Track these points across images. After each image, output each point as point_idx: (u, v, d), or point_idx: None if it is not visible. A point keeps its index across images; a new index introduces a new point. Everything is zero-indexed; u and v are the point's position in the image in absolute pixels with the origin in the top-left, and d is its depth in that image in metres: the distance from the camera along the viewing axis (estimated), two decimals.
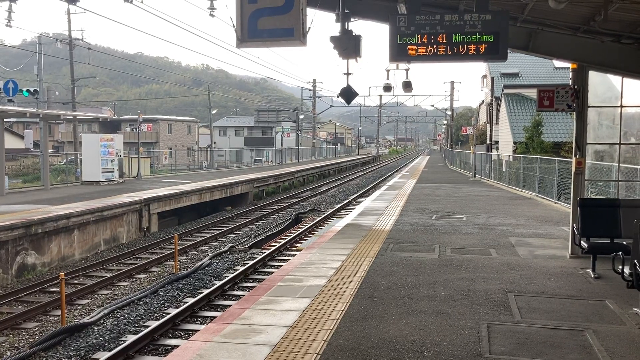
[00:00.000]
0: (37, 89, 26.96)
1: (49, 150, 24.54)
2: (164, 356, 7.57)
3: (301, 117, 57.47)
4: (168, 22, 22.99)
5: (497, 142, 36.09)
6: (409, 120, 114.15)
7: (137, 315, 9.43)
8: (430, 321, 5.80)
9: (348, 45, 7.87)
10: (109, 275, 12.35)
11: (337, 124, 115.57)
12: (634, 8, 7.04)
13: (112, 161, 22.87)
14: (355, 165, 59.88)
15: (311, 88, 58.37)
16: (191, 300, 9.85)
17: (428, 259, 8.92)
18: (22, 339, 8.70)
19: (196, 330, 7.90)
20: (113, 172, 22.98)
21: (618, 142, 9.43)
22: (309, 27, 6.71)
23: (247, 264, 12.86)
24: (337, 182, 38.27)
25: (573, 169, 8.98)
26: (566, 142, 25.41)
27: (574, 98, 8.61)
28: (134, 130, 32.26)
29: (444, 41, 6.85)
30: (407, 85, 22.80)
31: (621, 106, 9.08)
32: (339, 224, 13.01)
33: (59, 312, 9.54)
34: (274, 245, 14.89)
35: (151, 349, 8.04)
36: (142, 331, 8.41)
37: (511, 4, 7.67)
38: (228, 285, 11.06)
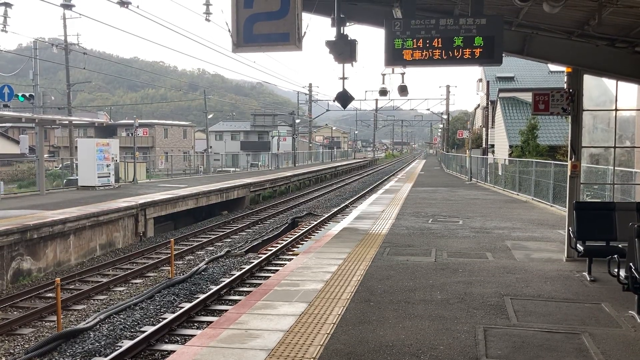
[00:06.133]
0: (33, 94, 26.89)
1: (45, 155, 24.45)
2: None
3: (297, 121, 57.48)
4: (164, 27, 22.98)
5: (493, 145, 36.17)
6: (405, 124, 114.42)
7: (133, 321, 9.40)
8: (426, 325, 5.80)
9: (344, 50, 7.89)
10: (105, 280, 12.30)
11: (334, 128, 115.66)
12: (628, 12, 7.08)
13: (108, 166, 22.81)
14: (352, 169, 59.91)
15: (307, 92, 58.46)
16: (187, 305, 9.82)
17: (424, 262, 8.92)
18: (18, 345, 8.66)
19: (192, 335, 7.87)
20: (109, 177, 22.92)
21: (613, 145, 9.47)
22: (305, 32, 6.73)
23: (244, 268, 12.84)
24: (334, 186, 38.28)
25: (568, 172, 9.02)
26: (562, 145, 25.49)
27: (569, 102, 8.64)
28: (130, 134, 32.27)
29: (440, 45, 6.87)
30: (403, 90, 22.80)
31: (616, 109, 9.12)
32: (335, 228, 13.01)
33: (54, 318, 9.49)
34: (271, 250, 14.87)
35: (147, 354, 8.01)
36: (138, 336, 8.38)
37: (506, 8, 7.71)
38: (224, 290, 11.04)
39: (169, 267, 12.82)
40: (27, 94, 25.81)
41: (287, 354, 4.98)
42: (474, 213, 15.54)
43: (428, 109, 62.82)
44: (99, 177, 22.30)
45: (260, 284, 9.24)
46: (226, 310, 7.46)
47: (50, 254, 13.32)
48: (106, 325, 9.18)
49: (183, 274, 12.59)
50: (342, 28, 8.05)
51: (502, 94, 33.40)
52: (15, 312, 10.31)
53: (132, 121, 30.75)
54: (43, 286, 11.76)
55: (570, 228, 8.35)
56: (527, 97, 27.44)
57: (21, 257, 12.43)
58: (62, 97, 39.44)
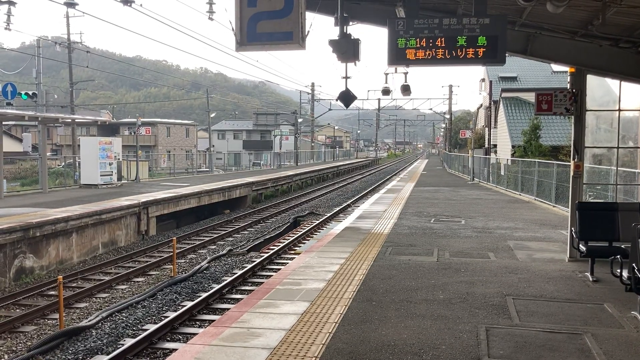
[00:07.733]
0: (36, 92, 26.95)
1: (48, 154, 24.50)
2: None
3: (300, 120, 57.47)
4: (167, 26, 22.98)
5: (495, 145, 36.15)
6: (408, 123, 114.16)
7: (136, 319, 9.41)
8: (428, 325, 5.79)
9: (347, 49, 7.88)
10: (107, 278, 12.32)
11: (336, 128, 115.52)
12: (632, 12, 7.07)
13: (110, 164, 22.85)
14: (354, 168, 59.88)
15: (310, 91, 58.42)
16: (190, 304, 9.83)
17: (427, 262, 8.91)
18: (20, 343, 8.68)
19: (195, 334, 7.89)
20: (111, 175, 22.96)
21: (616, 145, 9.45)
22: (308, 31, 6.72)
23: (246, 267, 12.84)
24: (336, 185, 38.28)
25: (571, 173, 9.00)
26: (564, 145, 25.46)
27: (572, 102, 8.63)
28: (133, 133, 32.27)
29: (443, 45, 6.86)
30: (406, 89, 22.83)
31: (619, 110, 9.10)
32: (337, 227, 13.01)
33: (57, 316, 9.52)
34: (273, 249, 14.87)
35: (149, 352, 8.02)
36: (140, 334, 8.40)
37: (509, 8, 7.70)
38: (227, 289, 11.05)
39: (171, 266, 12.84)
40: (30, 92, 25.88)
41: (289, 352, 4.98)
42: (476, 213, 15.52)
43: (430, 109, 62.60)
44: (101, 175, 22.35)
45: (262, 282, 9.24)
46: (228, 309, 7.48)
47: (52, 252, 13.34)
48: (108, 323, 9.19)
49: (185, 273, 12.61)
50: (345, 27, 8.05)
51: (504, 94, 33.37)
52: (17, 310, 10.33)
53: (135, 120, 30.74)
54: (45, 284, 11.79)
55: (572, 228, 8.34)
56: (530, 97, 27.44)
57: (24, 255, 12.45)
58: (65, 96, 39.50)
